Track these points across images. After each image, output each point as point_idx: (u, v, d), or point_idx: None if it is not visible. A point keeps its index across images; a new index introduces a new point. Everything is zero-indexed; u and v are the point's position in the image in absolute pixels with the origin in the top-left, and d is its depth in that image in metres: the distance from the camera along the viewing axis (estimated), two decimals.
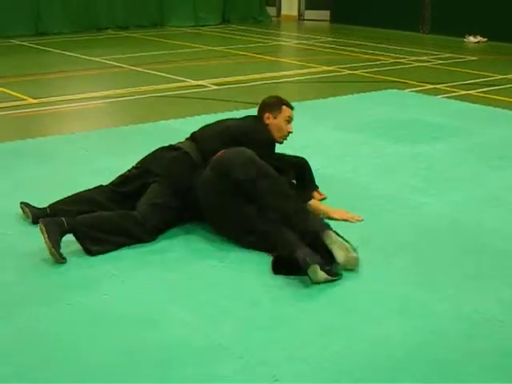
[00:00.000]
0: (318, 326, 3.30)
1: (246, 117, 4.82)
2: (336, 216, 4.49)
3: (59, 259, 3.88)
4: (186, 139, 4.66)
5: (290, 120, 4.69)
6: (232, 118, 4.87)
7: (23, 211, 4.47)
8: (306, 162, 4.89)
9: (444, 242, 4.28)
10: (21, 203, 4.50)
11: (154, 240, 4.21)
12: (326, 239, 3.80)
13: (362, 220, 4.49)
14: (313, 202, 4.56)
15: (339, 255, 3.77)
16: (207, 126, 4.75)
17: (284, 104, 4.70)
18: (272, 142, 4.63)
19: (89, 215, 4.17)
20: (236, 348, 3.11)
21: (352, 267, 3.81)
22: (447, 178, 5.46)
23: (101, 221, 4.12)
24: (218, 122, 4.80)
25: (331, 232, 3.84)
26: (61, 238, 3.94)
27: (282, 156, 4.78)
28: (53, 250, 3.86)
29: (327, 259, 3.76)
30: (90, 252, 4.00)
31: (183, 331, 3.25)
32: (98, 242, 4.03)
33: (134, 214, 4.22)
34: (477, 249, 4.18)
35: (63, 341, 3.17)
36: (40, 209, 4.42)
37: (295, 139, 4.53)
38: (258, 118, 4.71)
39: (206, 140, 4.52)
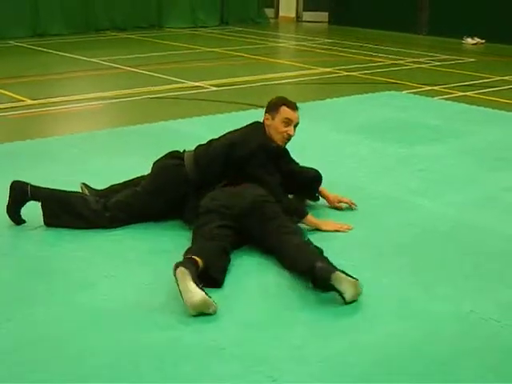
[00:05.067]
0: (317, 326, 3.31)
1: (249, 124, 4.59)
2: (327, 228, 4.36)
3: (17, 223, 4.38)
4: (193, 150, 4.55)
5: (289, 122, 4.37)
6: (238, 129, 4.60)
7: (82, 190, 4.71)
8: (319, 174, 4.73)
9: (442, 242, 4.29)
10: (81, 183, 4.75)
11: (110, 227, 4.37)
12: (334, 282, 3.44)
13: (352, 228, 4.39)
14: (308, 217, 4.36)
15: (349, 292, 3.46)
16: (213, 141, 4.58)
17: (284, 104, 4.40)
18: (262, 149, 4.34)
19: (56, 192, 4.46)
20: (233, 348, 3.11)
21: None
22: (445, 179, 5.47)
23: (63, 201, 4.39)
24: (223, 136, 4.59)
25: (339, 273, 3.47)
26: (23, 205, 4.39)
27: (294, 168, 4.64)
28: (12, 217, 4.37)
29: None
30: (46, 223, 4.37)
31: (180, 331, 3.25)
32: (55, 216, 4.37)
33: (91, 200, 4.45)
34: (475, 249, 4.19)
35: (62, 341, 3.17)
36: (97, 190, 4.72)
37: (293, 141, 4.53)
38: (260, 122, 4.51)
39: (205, 159, 4.43)
